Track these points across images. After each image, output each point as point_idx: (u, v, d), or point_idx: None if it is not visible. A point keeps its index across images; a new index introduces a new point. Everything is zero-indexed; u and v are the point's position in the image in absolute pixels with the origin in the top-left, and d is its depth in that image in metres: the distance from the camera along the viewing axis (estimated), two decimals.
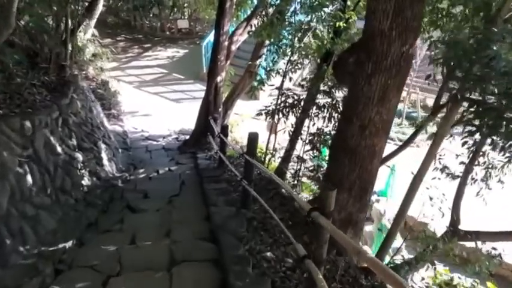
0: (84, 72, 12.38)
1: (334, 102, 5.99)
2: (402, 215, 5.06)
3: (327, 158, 6.95)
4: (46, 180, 4.45)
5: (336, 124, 6.13)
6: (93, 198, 5.37)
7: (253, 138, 4.81)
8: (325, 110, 6.11)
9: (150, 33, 20.05)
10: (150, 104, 13.36)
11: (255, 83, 8.07)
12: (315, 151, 6.18)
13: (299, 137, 6.92)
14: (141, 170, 7.73)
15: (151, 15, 20.51)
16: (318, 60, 7.26)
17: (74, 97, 6.93)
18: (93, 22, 13.20)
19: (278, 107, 6.54)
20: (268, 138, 11.46)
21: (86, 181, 5.69)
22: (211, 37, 14.87)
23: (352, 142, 4.30)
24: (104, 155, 7.07)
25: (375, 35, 3.95)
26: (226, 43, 8.91)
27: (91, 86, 11.78)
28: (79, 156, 5.76)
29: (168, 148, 9.69)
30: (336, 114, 6.04)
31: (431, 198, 4.90)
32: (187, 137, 10.61)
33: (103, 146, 7.34)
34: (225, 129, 6.97)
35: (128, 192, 5.98)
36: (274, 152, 7.54)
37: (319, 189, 6.62)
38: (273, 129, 10.95)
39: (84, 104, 7.44)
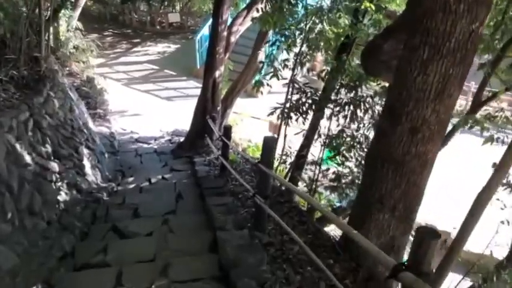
0: (67, 68, 11.35)
1: (358, 98, 5.05)
2: (460, 243, 4.09)
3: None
4: (6, 202, 3.45)
5: (360, 125, 5.20)
6: (71, 218, 4.38)
7: (269, 143, 3.86)
8: (348, 108, 5.17)
9: (140, 28, 18.96)
10: (140, 103, 12.34)
11: (258, 77, 7.12)
12: (339, 156, 5.22)
13: (314, 140, 5.98)
14: (131, 179, 6.74)
15: (140, 8, 19.43)
16: (331, 51, 6.33)
17: (50, 95, 5.92)
18: (77, 13, 12.17)
19: (292, 104, 5.59)
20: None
21: (62, 196, 4.69)
22: (205, 30, 13.94)
23: (398, 150, 3.36)
24: (86, 162, 6.07)
25: (434, 10, 3.01)
26: (225, 33, 7.93)
27: (75, 83, 10.75)
28: (54, 166, 4.77)
29: (160, 152, 8.71)
30: (362, 113, 5.10)
31: (505, 222, 3.96)
32: (182, 138, 9.62)
33: (85, 151, 6.34)
34: (227, 131, 6.01)
35: (114, 209, 5.00)
36: (285, 157, 6.59)
37: (341, 200, 5.71)
38: (276, 129, 10.04)
39: (63, 103, 6.43)
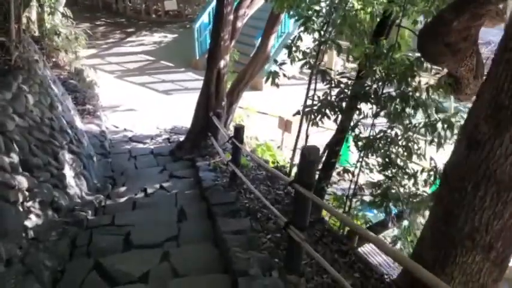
0: (53, 58, 10.26)
1: (407, 91, 3.98)
2: None
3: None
4: None
5: (409, 125, 4.15)
6: (41, 254, 3.32)
7: (311, 157, 2.79)
8: (392, 104, 4.11)
9: (134, 17, 17.80)
10: (134, 97, 11.24)
11: (272, 68, 6.05)
12: (385, 161, 4.13)
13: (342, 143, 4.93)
14: (123, 189, 5.69)
15: None
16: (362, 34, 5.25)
17: (22, 89, 4.86)
18: None
19: (325, 100, 4.51)
20: (282, 138, 9.48)
21: (32, 221, 3.65)
22: (204, 18, 12.84)
23: (504, 166, 2.32)
24: (68, 171, 5.01)
25: None
26: (231, 17, 6.85)
27: (61, 76, 9.66)
28: (22, 181, 3.70)
29: (158, 153, 7.64)
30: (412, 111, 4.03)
31: None
32: (182, 137, 8.55)
33: (68, 156, 5.28)
34: (239, 133, 4.94)
35: (100, 234, 3.94)
36: None
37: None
38: (288, 126, 8.97)
39: (41, 99, 5.36)
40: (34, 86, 5.29)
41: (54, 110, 5.71)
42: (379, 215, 5.29)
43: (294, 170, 6.07)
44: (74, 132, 6.32)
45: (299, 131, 5.63)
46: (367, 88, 4.32)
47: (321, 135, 6.11)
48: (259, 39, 12.01)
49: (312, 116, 4.49)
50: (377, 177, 4.95)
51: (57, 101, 6.26)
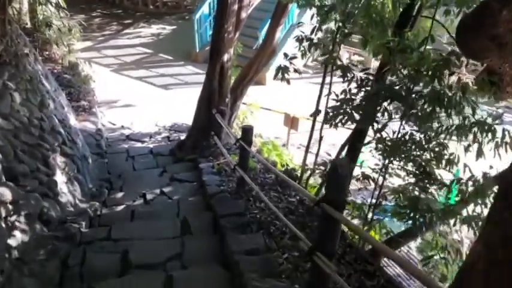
0: (46, 52, 9.76)
1: (439, 90, 3.53)
2: None
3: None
4: None
5: (440, 128, 3.71)
6: (25, 279, 2.89)
7: (343, 171, 2.34)
8: (420, 104, 3.66)
9: (131, 8, 17.22)
10: (131, 92, 10.77)
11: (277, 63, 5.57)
12: (417, 169, 3.68)
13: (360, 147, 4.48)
14: (120, 194, 5.24)
15: None
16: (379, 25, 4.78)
17: (8, 87, 4.43)
18: None
19: (347, 99, 4.06)
20: (288, 136, 9.03)
21: (17, 238, 3.21)
22: (205, 9, 12.33)
23: None
24: (59, 177, 4.57)
25: None
26: (235, 7, 6.38)
27: (55, 70, 9.19)
28: (5, 193, 3.26)
29: (157, 152, 7.19)
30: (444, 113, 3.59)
31: None
32: (182, 136, 8.12)
33: (60, 160, 4.84)
34: (248, 134, 4.49)
35: (94, 252, 3.50)
36: (321, 168, 5.10)
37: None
38: (295, 123, 8.52)
39: (30, 98, 4.91)
40: (22, 83, 4.83)
41: (44, 108, 5.25)
42: (398, 222, 4.85)
43: (304, 173, 5.65)
44: (67, 131, 5.87)
45: (312, 131, 5.18)
46: (394, 86, 3.86)
47: (330, 132, 5.68)
48: (262, 31, 11.60)
49: (334, 118, 4.02)
50: (396, 181, 4.55)
51: (48, 98, 5.80)
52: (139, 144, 7.82)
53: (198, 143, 6.83)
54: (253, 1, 6.99)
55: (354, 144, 4.42)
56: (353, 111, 3.87)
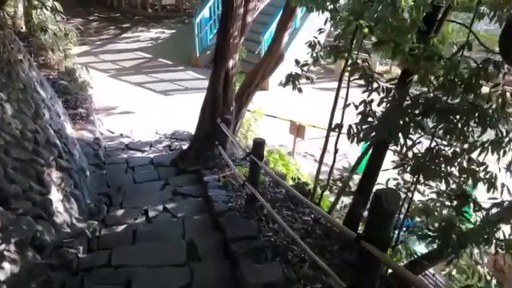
0: (41, 57, 9.41)
1: (474, 103, 3.20)
2: None
3: None
4: None
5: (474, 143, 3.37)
6: None
7: (390, 204, 1.99)
8: (450, 117, 3.32)
9: (129, 12, 16.88)
10: (130, 98, 10.42)
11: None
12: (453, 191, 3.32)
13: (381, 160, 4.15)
14: (120, 212, 4.88)
15: None
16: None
17: None
18: None
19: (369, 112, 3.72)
20: (294, 144, 8.69)
21: (5, 270, 2.86)
22: (205, 12, 12.02)
23: None
24: (55, 194, 4.21)
25: None
26: (241, 11, 6.06)
27: (51, 77, 8.83)
28: None
29: (158, 163, 6.84)
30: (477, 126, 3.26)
31: None
32: (184, 144, 7.78)
33: (55, 175, 4.48)
34: (259, 147, 4.15)
35: (93, 282, 3.15)
36: (336, 183, 4.75)
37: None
38: (301, 132, 8.19)
39: (23, 108, 4.58)
40: (14, 93, 4.48)
41: (39, 119, 4.90)
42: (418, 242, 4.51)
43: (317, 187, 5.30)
44: (64, 142, 5.52)
45: (326, 143, 4.84)
46: (427, 97, 3.53)
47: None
48: (265, 35, 11.30)
49: (363, 134, 3.67)
50: (416, 196, 4.22)
51: (44, 107, 5.45)
52: (139, 154, 7.47)
53: (201, 153, 6.49)
54: (259, 4, 6.66)
55: (375, 160, 4.07)
56: (381, 126, 3.52)
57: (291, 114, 9.96)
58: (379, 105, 3.82)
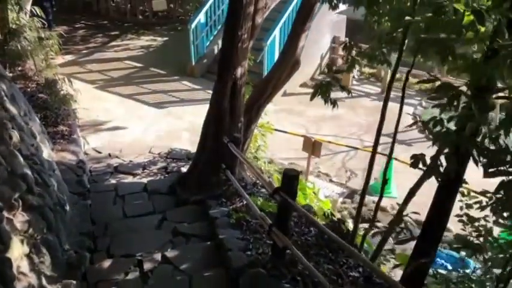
0: (19, 67, 8.34)
1: None
2: None
3: None
4: None
5: None
6: None
7: None
8: None
9: (118, 18, 15.83)
10: (120, 112, 9.39)
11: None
12: None
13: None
14: (107, 263, 3.81)
15: None
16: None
17: None
18: None
19: None
20: (308, 163, 7.66)
21: None
22: (201, 17, 11.05)
23: None
24: (17, 249, 3.14)
25: None
26: (251, 9, 5.08)
27: (28, 89, 7.76)
28: None
29: (153, 190, 5.79)
30: None
31: None
32: (183, 166, 6.74)
33: (20, 219, 3.41)
34: (292, 182, 3.11)
35: None
36: (388, 227, 3.72)
37: None
38: (316, 149, 7.18)
39: None
40: None
41: (2, 144, 3.83)
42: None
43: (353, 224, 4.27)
44: (38, 170, 4.44)
45: (370, 168, 3.85)
46: None
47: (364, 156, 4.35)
48: (268, 41, 10.33)
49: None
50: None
51: (11, 127, 4.37)
52: (130, 179, 6.40)
53: (204, 179, 5.45)
54: (270, 3, 5.68)
55: (445, 199, 3.04)
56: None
57: (300, 128, 9.00)
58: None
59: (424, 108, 10.56)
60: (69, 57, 12.17)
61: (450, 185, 3.02)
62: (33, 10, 9.11)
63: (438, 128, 2.92)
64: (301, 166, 7.98)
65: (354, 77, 11.56)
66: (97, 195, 5.75)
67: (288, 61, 5.69)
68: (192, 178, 5.64)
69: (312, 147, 6.90)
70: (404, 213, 3.69)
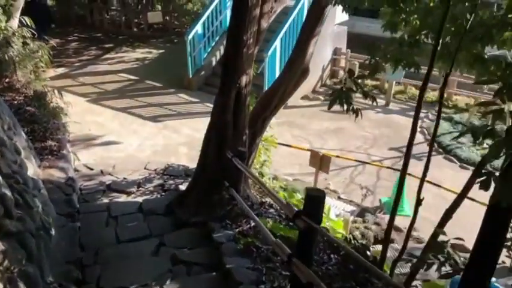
0: (5, 79, 7.86)
1: None
2: None
3: None
4: None
5: None
6: None
7: None
8: None
9: (113, 31, 15.47)
10: (114, 126, 8.90)
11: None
12: None
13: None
14: None
15: (113, 7, 15.97)
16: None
17: None
18: (20, 2, 8.68)
19: None
20: (316, 178, 7.16)
21: None
22: (198, 28, 10.66)
23: None
24: None
25: None
26: (257, 12, 4.65)
27: (15, 102, 7.26)
28: None
29: (149, 210, 5.28)
30: None
31: None
32: (180, 183, 6.25)
33: None
34: (317, 204, 2.63)
35: None
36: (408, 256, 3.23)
37: None
38: (324, 164, 6.69)
39: None
40: None
41: None
42: None
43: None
44: (20, 190, 3.93)
45: (400, 189, 3.38)
46: None
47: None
48: (269, 52, 9.93)
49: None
50: None
51: None
52: (124, 198, 5.87)
53: (206, 198, 4.96)
54: (276, 7, 5.27)
55: (498, 226, 2.55)
56: None
57: (303, 142, 8.54)
58: None
59: (432, 121, 10.13)
60: (61, 70, 11.72)
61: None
62: (22, 20, 8.66)
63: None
64: (306, 182, 7.49)
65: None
66: (87, 216, 5.22)
67: (296, 69, 5.25)
68: (192, 197, 5.14)
69: (320, 162, 6.42)
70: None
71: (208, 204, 4.83)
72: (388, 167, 7.74)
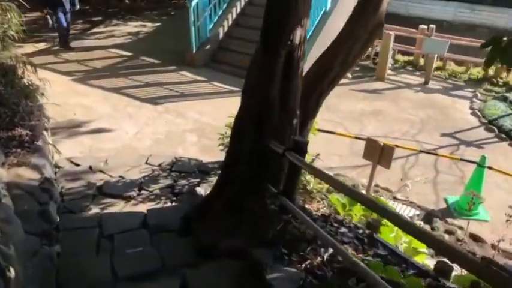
0: None
1: None
2: None
3: None
4: None
5: None
6: None
7: None
8: None
9: (101, 3, 13.68)
10: (105, 109, 7.28)
11: None
12: None
13: None
14: None
15: None
16: None
17: None
18: None
19: None
20: (372, 176, 5.58)
21: None
22: None
23: None
24: None
25: None
26: None
27: None
28: None
29: (157, 225, 3.75)
30: None
31: None
32: (198, 184, 4.69)
33: None
34: None
35: None
36: None
37: None
38: (383, 156, 5.11)
39: None
40: None
41: None
42: None
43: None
44: None
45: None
46: None
47: None
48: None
49: None
50: None
51: None
52: (121, 205, 4.33)
53: (241, 205, 3.40)
54: None
55: None
56: None
57: (337, 127, 7.01)
58: None
59: (481, 101, 8.61)
60: (41, 45, 10.00)
61: None
62: None
63: None
64: (349, 178, 5.97)
65: (388, 66, 9.60)
66: (71, 235, 3.68)
67: (366, 22, 3.64)
68: (218, 207, 3.59)
69: (380, 153, 4.87)
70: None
71: (246, 221, 3.29)
72: (457, 158, 6.22)
